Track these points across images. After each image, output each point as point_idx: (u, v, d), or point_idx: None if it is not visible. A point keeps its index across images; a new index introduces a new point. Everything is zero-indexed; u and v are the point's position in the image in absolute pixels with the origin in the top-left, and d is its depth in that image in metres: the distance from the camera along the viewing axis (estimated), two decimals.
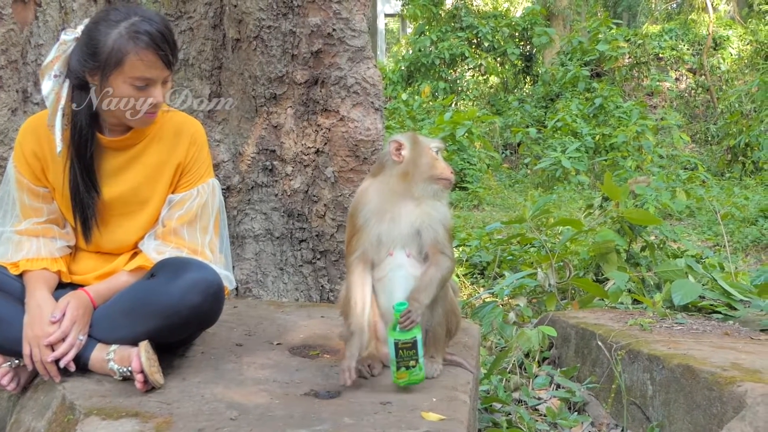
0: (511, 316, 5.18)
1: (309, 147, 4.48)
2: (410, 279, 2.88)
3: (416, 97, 19.85)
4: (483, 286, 6.78)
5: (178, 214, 3.04)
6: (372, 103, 4.39)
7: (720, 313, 5.05)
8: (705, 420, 3.32)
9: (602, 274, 6.15)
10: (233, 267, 4.28)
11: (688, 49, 20.76)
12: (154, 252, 2.98)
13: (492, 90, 22.25)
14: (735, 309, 5.13)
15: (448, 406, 2.60)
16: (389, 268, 2.91)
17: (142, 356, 2.71)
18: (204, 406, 2.55)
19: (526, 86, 22.45)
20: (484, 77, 22.05)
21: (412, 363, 2.75)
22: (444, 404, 2.62)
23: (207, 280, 2.78)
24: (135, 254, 3.09)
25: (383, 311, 2.96)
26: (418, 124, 17.69)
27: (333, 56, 4.34)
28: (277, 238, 4.61)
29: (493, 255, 7.24)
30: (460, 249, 8.16)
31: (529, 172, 16.36)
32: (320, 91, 4.41)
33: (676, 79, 20.38)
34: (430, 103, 19.63)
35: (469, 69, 21.90)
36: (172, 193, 3.09)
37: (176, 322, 2.76)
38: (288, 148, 4.51)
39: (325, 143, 4.42)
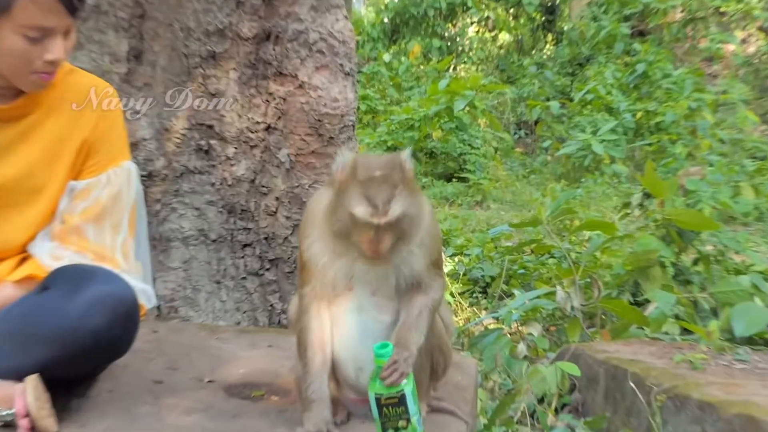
0: (521, 348, 5.21)
1: (257, 122, 4.49)
2: (373, 327, 2.85)
3: (402, 58, 19.91)
4: (485, 309, 6.81)
5: (83, 207, 3.04)
6: (341, 65, 4.41)
7: None
8: None
9: (641, 295, 6.18)
10: (153, 279, 4.27)
11: (759, 1, 20.90)
12: (48, 257, 2.97)
13: (502, 51, 22.35)
14: None
15: None
16: (345, 309, 2.88)
17: (28, 395, 2.70)
18: None
19: (547, 47, 22.55)
20: (492, 34, 22.14)
21: (401, 423, 2.75)
22: None
23: (116, 295, 2.77)
24: (24, 260, 3.07)
25: (342, 356, 2.94)
26: (404, 94, 17.74)
27: (291, 4, 4.36)
28: (214, 241, 4.61)
29: (500, 267, 7.26)
30: (456, 259, 8.18)
31: (549, 158, 16.43)
32: (273, 50, 4.42)
33: (743, 41, 20.51)
34: (421, 66, 19.69)
35: (472, 23, 21.99)
36: (75, 179, 3.08)
37: (75, 350, 2.74)
38: (230, 124, 4.51)
39: (279, 117, 4.43)
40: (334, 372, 2.97)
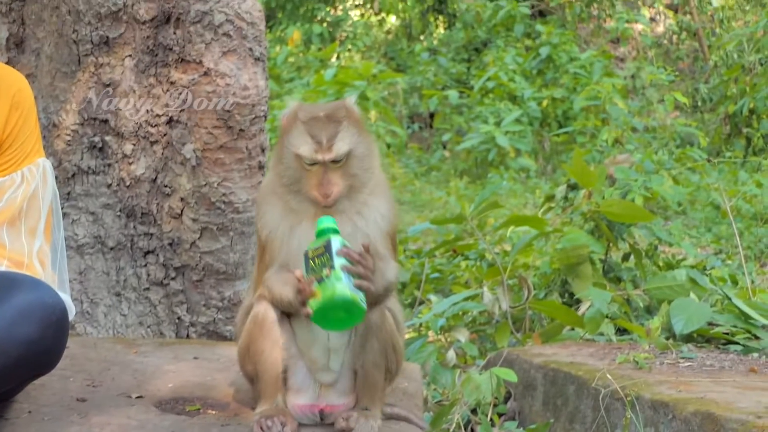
0: (450, 355, 5.30)
1: (158, 115, 4.50)
2: None
3: (281, 47, 19.82)
4: None
5: None
6: (250, 50, 4.45)
7: (738, 343, 5.27)
8: None
9: (569, 295, 6.30)
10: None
11: None
12: None
13: (390, 36, 22.40)
14: (757, 338, 5.35)
15: None
16: None
17: None
18: None
19: (439, 30, 22.66)
20: (379, 18, 22.18)
21: (324, 272, 2.87)
22: None
23: (45, 303, 2.81)
24: None
25: (301, 348, 3.06)
26: (285, 87, 17.69)
27: None
28: (112, 249, 4.61)
29: (414, 272, 7.35)
30: None
31: (448, 154, 16.53)
32: (174, 33, 4.43)
33: (652, 20, 20.90)
34: (302, 55, 19.61)
35: (356, 5, 21.99)
36: None
37: (3, 363, 2.77)
38: (127, 118, 4.52)
39: (183, 109, 4.45)
40: (290, 370, 3.06)
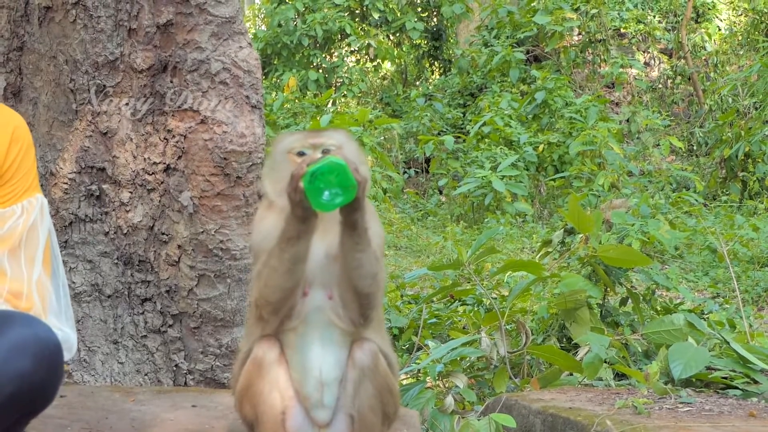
0: (449, 401, 5.29)
1: (155, 163, 4.52)
2: (332, 332, 3.07)
3: (276, 93, 19.89)
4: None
5: None
6: (247, 97, 4.48)
7: (737, 387, 5.27)
8: None
9: (567, 340, 6.31)
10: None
11: (660, 22, 21.47)
12: None
13: (385, 82, 22.51)
14: (756, 382, 5.36)
15: None
16: (304, 313, 3.08)
17: None
18: None
19: (435, 76, 22.78)
20: (374, 64, 22.29)
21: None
22: None
23: (39, 338, 2.82)
24: None
25: (298, 385, 3.09)
26: (280, 133, 17.71)
27: (189, 31, 4.41)
28: (109, 296, 4.62)
29: (412, 317, 7.34)
30: None
31: (444, 199, 16.57)
32: (171, 82, 4.46)
33: (646, 64, 21.02)
34: (297, 101, 19.68)
35: (351, 52, 22.11)
36: None
37: None
38: (124, 165, 4.54)
39: (180, 156, 4.47)
40: (288, 413, 3.08)
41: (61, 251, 4.47)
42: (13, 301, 3.04)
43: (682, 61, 20.81)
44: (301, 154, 3.20)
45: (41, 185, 4.45)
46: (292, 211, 3.05)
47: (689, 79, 20.43)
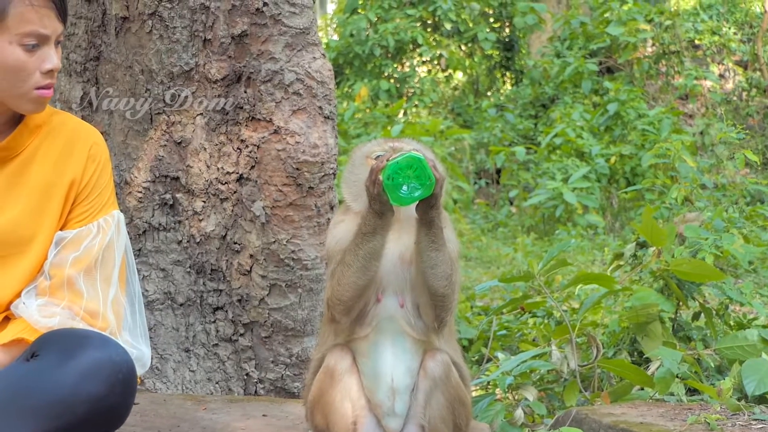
0: (519, 414, 5.27)
1: (228, 172, 4.56)
2: (404, 341, 3.09)
3: (348, 102, 19.95)
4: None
5: (74, 257, 3.10)
6: (320, 108, 4.50)
7: None
8: None
9: (638, 354, 6.27)
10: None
11: (735, 34, 21.27)
12: (38, 315, 3.01)
13: (457, 92, 22.48)
14: None
15: None
16: (376, 321, 3.11)
17: None
18: None
19: (506, 87, 22.72)
20: (446, 74, 22.28)
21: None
22: None
23: (113, 361, 2.84)
24: (5, 320, 3.12)
25: (369, 394, 3.11)
26: (352, 143, 17.78)
27: (263, 42, 4.45)
28: (181, 305, 4.66)
29: (482, 329, 7.33)
30: None
31: (515, 210, 16.53)
32: (245, 92, 4.50)
33: (721, 76, 20.83)
34: (368, 111, 19.72)
35: (423, 62, 22.12)
36: (62, 228, 3.15)
37: (71, 421, 2.80)
38: (197, 175, 4.58)
39: (252, 167, 4.50)
40: (359, 423, 3.10)
41: (134, 260, 4.54)
42: (89, 320, 3.07)
43: (758, 73, 20.60)
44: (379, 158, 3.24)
45: (116, 194, 4.52)
46: (370, 205, 3.08)
47: (765, 91, 20.22)
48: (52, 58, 3.00)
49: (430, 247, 3.13)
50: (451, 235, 3.29)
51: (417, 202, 3.11)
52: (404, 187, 3.05)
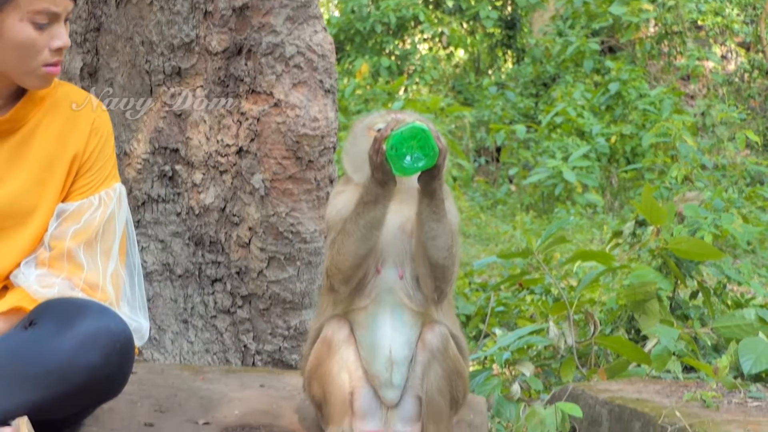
0: (515, 388, 5.29)
1: (228, 145, 4.56)
2: (403, 312, 3.10)
3: (348, 79, 19.93)
4: None
5: (74, 230, 3.12)
6: (320, 81, 4.50)
7: None
8: None
9: (636, 331, 6.28)
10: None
11: (738, 15, 21.22)
12: (37, 285, 3.03)
13: (458, 70, 22.45)
14: None
15: None
16: (375, 292, 3.12)
17: None
18: None
19: (508, 65, 22.69)
20: (447, 51, 22.26)
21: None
22: None
23: (110, 330, 2.85)
24: (4, 289, 3.13)
25: (367, 365, 3.12)
26: (352, 119, 17.76)
27: (264, 14, 4.44)
28: (180, 276, 4.67)
29: (480, 305, 7.35)
30: None
31: (514, 188, 16.53)
32: (245, 65, 4.50)
33: (723, 57, 20.79)
34: (369, 87, 19.70)
35: (425, 39, 22.09)
36: (64, 200, 3.16)
37: (67, 389, 2.82)
38: (197, 147, 4.59)
39: (252, 139, 4.51)
40: (356, 393, 3.12)
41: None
42: (89, 291, 3.08)
43: (760, 54, 20.56)
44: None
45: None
46: (372, 174, 3.09)
47: (767, 73, 20.20)
48: (62, 35, 3.01)
49: (432, 218, 3.14)
50: (452, 207, 3.30)
51: (420, 172, 3.12)
52: (408, 158, 3.06)
